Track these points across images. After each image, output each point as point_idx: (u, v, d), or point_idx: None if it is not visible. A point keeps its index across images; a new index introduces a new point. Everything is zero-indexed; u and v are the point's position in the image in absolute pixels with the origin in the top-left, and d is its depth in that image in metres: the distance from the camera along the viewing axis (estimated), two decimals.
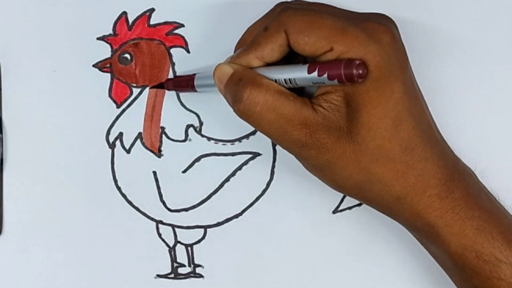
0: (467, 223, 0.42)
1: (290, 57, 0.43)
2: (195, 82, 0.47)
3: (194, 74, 0.47)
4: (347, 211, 0.50)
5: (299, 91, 0.44)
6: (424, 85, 0.48)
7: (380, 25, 0.41)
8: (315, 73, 0.40)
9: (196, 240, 0.50)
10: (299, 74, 0.41)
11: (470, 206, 0.42)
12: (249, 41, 0.43)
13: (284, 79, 0.42)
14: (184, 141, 0.50)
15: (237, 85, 0.42)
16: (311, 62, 0.41)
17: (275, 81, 0.42)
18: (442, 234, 0.42)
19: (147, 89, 0.50)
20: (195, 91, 0.48)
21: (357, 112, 0.41)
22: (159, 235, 0.50)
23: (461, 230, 0.42)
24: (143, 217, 0.50)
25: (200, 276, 0.50)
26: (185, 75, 0.49)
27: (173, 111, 0.50)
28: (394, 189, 0.42)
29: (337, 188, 0.44)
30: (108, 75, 0.50)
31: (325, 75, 0.40)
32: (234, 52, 0.45)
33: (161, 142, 0.50)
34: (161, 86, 0.49)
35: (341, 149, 0.42)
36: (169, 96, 0.50)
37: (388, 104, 0.41)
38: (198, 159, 0.50)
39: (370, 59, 0.40)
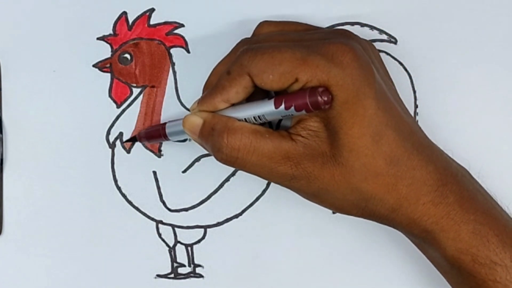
0: (462, 227, 0.42)
1: (255, 92, 0.43)
2: (167, 130, 0.47)
3: (165, 123, 0.48)
4: None
5: (274, 123, 0.44)
6: (422, 85, 0.48)
7: (339, 46, 0.41)
8: (282, 107, 0.41)
9: (196, 240, 0.50)
10: (266, 109, 0.42)
11: (465, 210, 0.42)
12: (214, 83, 0.44)
13: (254, 117, 0.43)
14: (184, 141, 0.50)
15: (212, 135, 0.43)
16: (275, 95, 0.42)
17: (245, 120, 0.43)
18: (439, 239, 0.43)
19: (147, 89, 0.50)
20: (168, 139, 0.48)
21: (336, 135, 0.41)
22: (159, 235, 0.50)
23: (457, 235, 0.42)
24: (143, 217, 0.50)
25: (200, 276, 0.50)
26: (156, 125, 0.49)
27: (173, 111, 0.50)
28: (388, 202, 0.42)
29: (336, 210, 0.45)
30: (108, 75, 0.50)
31: (292, 107, 0.41)
32: (202, 93, 0.46)
33: (161, 142, 0.50)
34: (134, 139, 0.50)
35: (328, 174, 0.42)
36: (169, 96, 0.50)
37: (363, 123, 0.41)
38: (198, 159, 0.50)
39: (334, 84, 0.40)
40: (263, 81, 0.41)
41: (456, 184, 0.43)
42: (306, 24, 0.48)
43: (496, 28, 0.49)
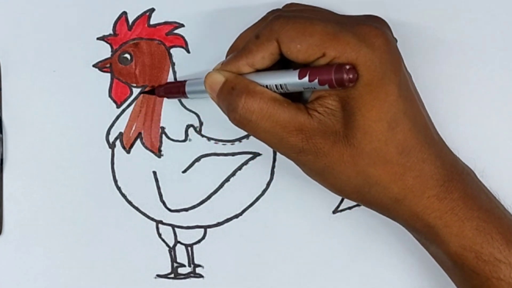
0: (466, 223, 0.42)
1: (281, 61, 0.43)
2: (186, 89, 0.47)
3: (185, 80, 0.47)
4: (347, 211, 0.50)
5: (293, 96, 0.44)
6: (424, 84, 0.48)
7: (372, 29, 0.41)
8: (306, 79, 0.41)
9: (196, 240, 0.50)
10: (290, 79, 0.42)
11: (469, 207, 0.42)
12: (241, 47, 0.43)
13: (275, 85, 0.42)
14: (184, 141, 0.50)
15: (231, 94, 0.43)
16: (301, 67, 0.42)
17: (267, 87, 0.42)
18: (442, 234, 0.42)
19: (147, 89, 0.50)
20: (186, 97, 0.48)
21: (352, 116, 0.41)
22: (159, 235, 0.50)
23: (460, 231, 0.42)
24: (143, 217, 0.50)
25: (200, 276, 0.50)
26: (176, 81, 0.49)
27: (173, 111, 0.50)
28: (393, 192, 0.42)
29: (336, 191, 0.44)
30: (108, 75, 0.50)
31: (316, 80, 0.40)
32: (226, 57, 0.46)
33: (161, 142, 0.50)
34: (152, 92, 0.49)
35: (338, 153, 0.42)
36: None
37: (383, 107, 0.41)
38: (198, 159, 0.50)
39: (361, 63, 0.40)
40: (289, 50, 0.41)
41: (462, 181, 0.43)
42: (333, 12, 0.47)
43: (496, 28, 0.49)
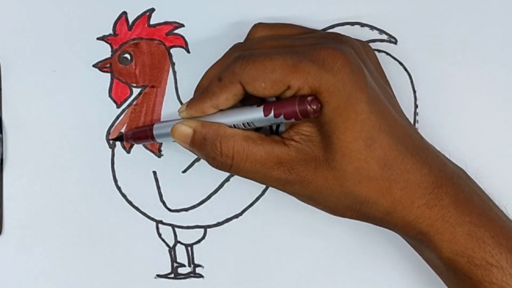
0: (457, 229, 0.42)
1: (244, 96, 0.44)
2: (154, 132, 0.47)
3: (152, 125, 0.47)
4: None
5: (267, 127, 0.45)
6: (423, 85, 0.48)
7: (330, 52, 0.41)
8: (271, 114, 0.41)
9: (196, 240, 0.50)
10: (256, 116, 0.42)
11: (460, 212, 0.42)
12: (205, 87, 0.44)
13: (243, 123, 0.43)
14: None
15: (204, 144, 0.43)
16: (265, 102, 0.42)
17: (234, 126, 0.43)
18: (434, 241, 0.43)
19: (147, 89, 0.50)
20: (156, 141, 0.48)
21: (329, 139, 0.41)
22: (159, 235, 0.50)
23: (452, 237, 0.42)
24: (143, 217, 0.50)
25: (200, 276, 0.50)
26: (143, 126, 0.49)
27: (173, 111, 0.50)
28: (382, 206, 0.43)
29: (331, 212, 0.45)
30: (108, 75, 0.50)
31: (282, 116, 0.41)
32: (194, 94, 0.47)
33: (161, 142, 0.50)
34: (121, 138, 0.50)
35: (322, 178, 0.42)
36: (169, 96, 0.50)
37: (355, 127, 0.41)
38: (198, 159, 0.50)
39: (325, 90, 0.40)
40: (255, 89, 0.41)
41: (452, 186, 0.43)
42: (300, 27, 0.48)
43: (496, 28, 0.49)
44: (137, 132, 0.49)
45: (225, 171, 0.44)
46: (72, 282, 0.50)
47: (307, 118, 0.41)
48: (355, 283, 0.50)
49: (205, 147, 0.43)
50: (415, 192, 0.42)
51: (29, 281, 0.50)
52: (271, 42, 0.45)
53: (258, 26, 0.47)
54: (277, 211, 0.50)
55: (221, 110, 0.44)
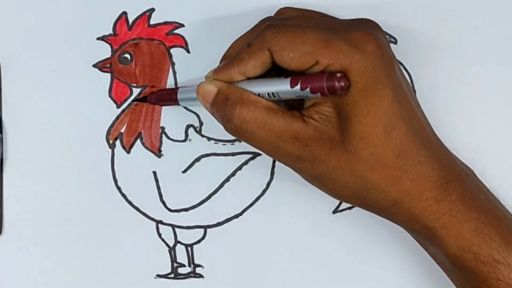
0: (464, 225, 0.42)
1: (273, 68, 0.43)
2: (178, 96, 0.47)
3: (178, 88, 0.48)
4: (347, 211, 0.50)
5: (289, 102, 0.44)
6: (423, 85, 0.48)
7: (364, 34, 0.41)
8: (297, 87, 0.41)
9: (196, 240, 0.50)
10: (282, 88, 0.42)
11: (467, 208, 0.42)
12: (232, 55, 0.44)
13: (268, 93, 0.43)
14: (184, 141, 0.50)
15: (225, 104, 0.43)
16: (294, 74, 0.42)
17: (259, 95, 0.43)
18: (440, 236, 0.43)
19: (147, 89, 0.50)
20: (179, 104, 0.48)
21: (348, 122, 0.41)
22: (159, 235, 0.50)
23: (459, 232, 0.42)
24: (143, 217, 0.50)
25: (200, 276, 0.50)
26: (169, 88, 0.49)
27: (173, 111, 0.50)
28: (391, 195, 0.42)
29: (336, 196, 0.45)
30: (108, 75, 0.50)
31: (308, 89, 0.41)
32: (220, 63, 0.46)
33: (161, 142, 0.50)
34: (144, 99, 0.49)
35: (335, 159, 0.42)
36: None
37: (377, 112, 0.41)
38: (198, 159, 0.50)
39: (354, 70, 0.40)
40: (282, 59, 0.41)
41: (460, 182, 0.43)
42: (327, 15, 0.48)
43: (496, 28, 0.49)
44: (161, 94, 0.49)
45: (238, 136, 0.43)
46: (72, 282, 0.50)
47: (333, 95, 0.40)
48: (355, 283, 0.50)
49: (225, 107, 0.43)
50: (424, 185, 0.42)
51: (29, 281, 0.50)
52: (303, 19, 0.44)
53: (285, 8, 0.47)
54: (277, 211, 0.50)
55: (248, 79, 0.43)
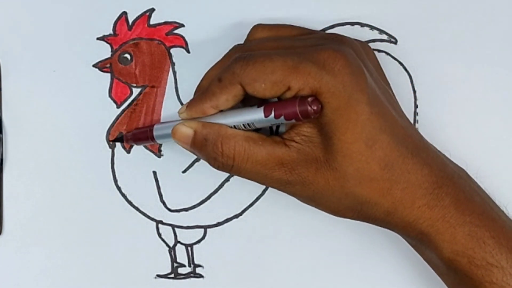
0: (458, 229, 0.42)
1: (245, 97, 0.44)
2: (154, 133, 0.47)
3: (153, 126, 0.47)
4: None
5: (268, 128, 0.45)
6: (423, 85, 0.48)
7: (331, 53, 0.41)
8: (271, 115, 0.42)
9: (196, 240, 0.50)
10: (256, 117, 0.42)
11: (461, 212, 0.42)
12: (205, 88, 0.44)
13: (243, 124, 0.43)
14: None
15: (205, 145, 0.43)
16: (265, 103, 0.42)
17: (234, 127, 0.43)
18: (434, 241, 0.43)
19: (147, 89, 0.50)
20: (156, 142, 0.48)
21: (330, 140, 0.41)
22: (159, 235, 0.50)
23: (453, 237, 0.42)
24: (143, 217, 0.50)
25: (200, 276, 0.50)
26: (143, 127, 0.49)
27: (173, 111, 0.50)
28: (383, 206, 0.43)
29: (332, 213, 0.45)
30: (108, 75, 0.50)
31: (282, 116, 0.41)
32: (194, 95, 0.47)
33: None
34: (121, 139, 0.50)
35: (323, 179, 0.42)
36: (169, 96, 0.50)
37: (356, 128, 0.41)
38: (198, 159, 0.50)
39: (325, 91, 0.40)
40: (255, 90, 0.41)
41: (452, 186, 0.43)
42: (300, 28, 0.48)
43: (496, 28, 0.49)
44: (137, 133, 0.49)
45: (226, 171, 0.44)
46: (72, 282, 0.50)
47: (307, 119, 0.41)
48: (355, 283, 0.50)
49: (206, 148, 0.43)
50: (415, 193, 0.42)
51: (29, 281, 0.50)
52: (271, 43, 0.45)
53: (258, 27, 0.47)
54: (277, 211, 0.50)
55: (222, 111, 0.44)
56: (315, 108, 0.40)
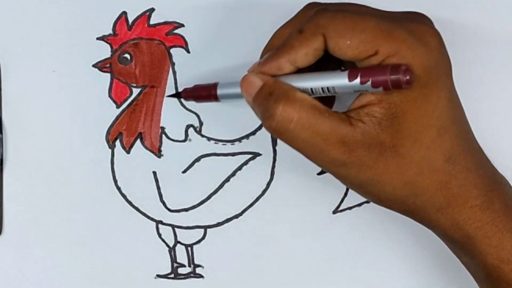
0: (506, 235, 0.41)
1: (321, 63, 0.40)
2: (218, 92, 0.45)
3: (216, 83, 0.45)
4: (347, 211, 0.50)
5: (327, 104, 0.41)
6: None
7: (427, 28, 0.39)
8: (357, 80, 0.38)
9: (196, 240, 0.50)
10: (338, 81, 0.38)
11: (509, 218, 0.41)
12: (279, 45, 0.40)
13: (322, 88, 0.39)
14: (184, 141, 0.50)
15: (268, 99, 0.39)
16: (348, 67, 0.39)
17: (311, 90, 0.39)
18: (480, 246, 0.41)
19: (147, 89, 0.50)
20: (217, 101, 0.45)
21: (403, 123, 0.39)
22: (159, 235, 0.50)
23: (500, 243, 0.41)
24: (143, 217, 0.50)
25: (200, 276, 0.50)
26: (206, 84, 0.46)
27: (173, 111, 0.50)
28: (438, 200, 0.40)
29: (378, 202, 0.42)
30: (108, 75, 0.50)
31: (369, 82, 0.37)
32: (261, 57, 0.43)
33: (161, 142, 0.50)
34: (178, 95, 0.48)
35: (383, 165, 0.39)
36: None
37: (434, 113, 0.39)
38: (198, 159, 0.50)
39: (418, 64, 0.37)
40: (338, 46, 0.38)
41: (501, 191, 0.42)
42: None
43: (497, 28, 0.49)
44: (198, 89, 0.46)
45: (277, 135, 0.40)
46: (72, 282, 0.50)
47: (396, 89, 0.37)
48: (355, 283, 0.50)
49: (268, 102, 0.39)
50: (471, 192, 0.40)
51: (29, 281, 0.50)
52: (359, 6, 0.41)
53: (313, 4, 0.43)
54: (277, 211, 0.50)
55: (298, 72, 0.40)
56: (408, 77, 0.36)
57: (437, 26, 0.40)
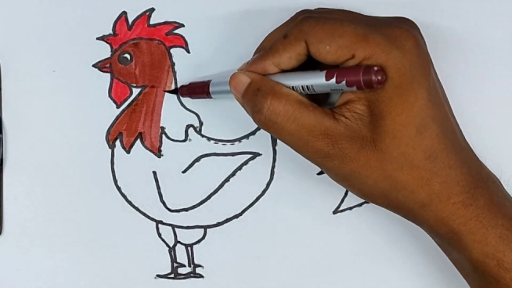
0: (490, 231, 0.42)
1: (306, 63, 0.43)
2: (210, 89, 0.47)
3: (209, 81, 0.47)
4: (348, 211, 0.50)
5: (318, 101, 0.44)
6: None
7: (403, 31, 0.41)
8: (333, 80, 0.40)
9: (196, 240, 0.50)
10: (316, 80, 0.41)
11: (493, 214, 0.42)
12: (267, 47, 0.43)
13: (302, 86, 0.42)
14: (184, 141, 0.50)
15: (256, 95, 0.42)
16: (328, 68, 0.41)
17: (292, 88, 0.42)
18: (465, 241, 0.42)
19: (147, 89, 0.50)
20: (210, 97, 0.47)
21: (381, 120, 0.41)
22: (159, 235, 0.50)
23: (484, 238, 0.42)
24: (143, 217, 0.50)
25: (200, 276, 0.50)
26: (200, 81, 0.48)
27: (173, 111, 0.50)
28: (419, 196, 0.42)
29: (363, 196, 0.44)
30: (108, 75, 0.50)
31: (344, 82, 0.40)
32: (253, 56, 0.46)
33: (161, 142, 0.50)
34: (175, 91, 0.49)
35: (365, 158, 0.41)
36: (169, 96, 0.50)
37: (412, 111, 0.41)
38: (198, 159, 0.50)
39: (391, 66, 0.40)
40: (318, 51, 0.41)
41: (487, 188, 0.42)
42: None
43: (497, 28, 0.49)
44: (193, 86, 0.48)
45: (266, 128, 0.43)
46: (72, 282, 0.50)
47: (369, 89, 0.40)
48: (355, 283, 0.50)
49: (256, 98, 0.42)
50: (453, 189, 0.42)
51: (29, 281, 0.50)
52: (341, 13, 0.44)
53: (320, 8, 0.46)
54: (277, 211, 0.50)
55: (282, 72, 0.43)
56: (379, 78, 0.39)
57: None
